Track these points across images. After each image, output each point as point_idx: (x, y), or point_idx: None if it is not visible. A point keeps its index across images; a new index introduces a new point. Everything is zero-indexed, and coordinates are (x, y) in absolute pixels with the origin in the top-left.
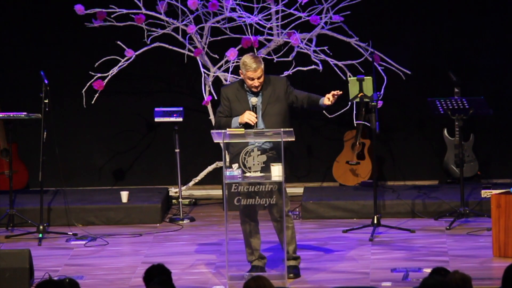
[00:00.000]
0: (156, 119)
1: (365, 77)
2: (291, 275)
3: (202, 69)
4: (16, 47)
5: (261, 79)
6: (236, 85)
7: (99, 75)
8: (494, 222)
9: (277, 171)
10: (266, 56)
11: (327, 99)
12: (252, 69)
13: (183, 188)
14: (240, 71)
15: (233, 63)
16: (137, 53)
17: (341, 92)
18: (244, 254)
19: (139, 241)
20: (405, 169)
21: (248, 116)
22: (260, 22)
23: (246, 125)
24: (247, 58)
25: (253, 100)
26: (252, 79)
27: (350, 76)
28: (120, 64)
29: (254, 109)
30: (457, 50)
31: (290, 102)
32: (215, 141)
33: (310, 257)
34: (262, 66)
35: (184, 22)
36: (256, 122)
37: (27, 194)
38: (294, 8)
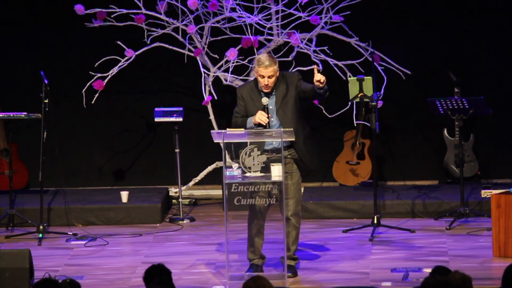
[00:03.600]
0: (156, 119)
1: (365, 77)
2: (290, 274)
3: (202, 69)
4: (16, 47)
5: (272, 79)
6: (251, 84)
7: (99, 75)
8: (494, 222)
9: (277, 171)
10: None
11: (318, 83)
12: (264, 66)
13: (183, 188)
14: (254, 68)
15: (233, 63)
16: (137, 53)
17: (317, 67)
18: (244, 254)
19: (139, 241)
20: (405, 169)
21: (259, 116)
22: (260, 22)
23: (259, 126)
24: (262, 55)
25: (264, 100)
26: (263, 76)
27: (350, 76)
28: (120, 64)
29: (265, 109)
30: (457, 50)
31: (298, 95)
32: (215, 141)
33: (310, 257)
34: (276, 66)
35: (184, 22)
36: (269, 122)
37: (27, 194)
38: (294, 8)
